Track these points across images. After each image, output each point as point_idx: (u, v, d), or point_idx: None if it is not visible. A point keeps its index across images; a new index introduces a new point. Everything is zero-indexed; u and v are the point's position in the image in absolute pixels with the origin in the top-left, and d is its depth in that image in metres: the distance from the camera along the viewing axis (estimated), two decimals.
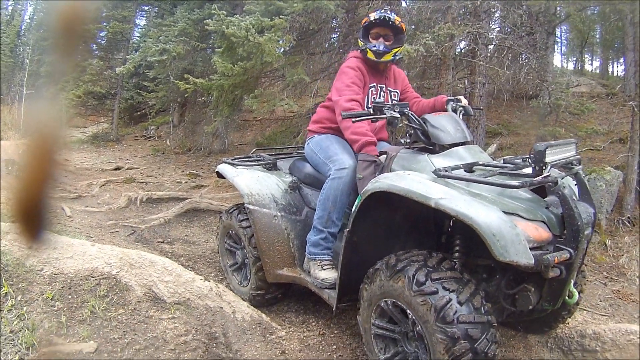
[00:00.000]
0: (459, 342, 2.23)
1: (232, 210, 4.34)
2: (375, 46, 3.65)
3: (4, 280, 2.92)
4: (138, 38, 18.59)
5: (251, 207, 3.80)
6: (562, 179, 2.51)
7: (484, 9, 7.72)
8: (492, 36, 8.88)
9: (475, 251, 2.66)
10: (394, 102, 3.66)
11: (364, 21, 3.79)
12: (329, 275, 3.40)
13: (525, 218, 2.35)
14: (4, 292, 2.86)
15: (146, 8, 18.54)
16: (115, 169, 11.73)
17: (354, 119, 3.11)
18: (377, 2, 7.73)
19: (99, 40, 16.63)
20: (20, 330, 2.65)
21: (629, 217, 7.01)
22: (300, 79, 7.63)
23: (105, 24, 15.22)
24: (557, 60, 25.95)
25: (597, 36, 19.94)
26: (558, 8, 10.04)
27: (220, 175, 4.41)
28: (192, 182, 9.94)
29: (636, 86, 7.85)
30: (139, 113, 19.48)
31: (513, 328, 3.62)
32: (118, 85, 16.72)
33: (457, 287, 2.35)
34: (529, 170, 2.51)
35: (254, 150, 4.89)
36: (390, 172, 2.94)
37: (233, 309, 3.38)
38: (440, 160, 2.85)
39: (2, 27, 30.78)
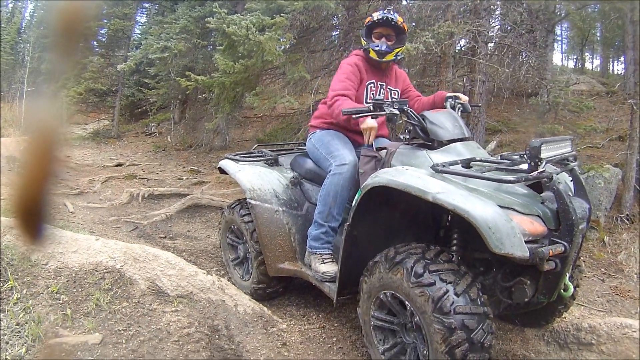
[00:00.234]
0: (456, 332, 2.29)
1: (234, 205, 4.40)
2: (377, 46, 3.70)
3: (9, 274, 2.97)
4: (139, 35, 18.61)
5: (253, 202, 3.86)
6: (557, 174, 2.56)
7: (484, 6, 7.75)
8: (492, 34, 8.92)
9: (472, 245, 2.71)
10: (393, 99, 3.72)
11: (367, 20, 3.83)
12: (330, 268, 3.46)
13: (521, 212, 2.41)
14: (10, 285, 2.91)
15: (147, 5, 18.58)
16: (117, 166, 11.79)
17: (354, 116, 3.17)
18: (377, 0, 7.76)
19: (100, 38, 16.62)
20: (26, 323, 2.69)
21: (627, 215, 7.04)
22: (301, 76, 7.68)
23: (106, 21, 15.23)
24: (557, 58, 25.96)
25: (598, 34, 19.88)
26: (558, 6, 10.06)
27: (222, 171, 4.46)
28: (193, 179, 10.00)
29: (635, 84, 7.87)
30: (139, 110, 19.48)
31: (510, 322, 3.67)
32: (119, 82, 16.72)
33: (454, 279, 2.41)
34: (525, 166, 2.57)
35: (255, 146, 4.95)
36: (390, 167, 3.00)
37: (235, 302, 3.43)
38: (438, 156, 2.91)
39: (3, 25, 30.74)
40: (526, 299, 2.60)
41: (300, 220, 3.92)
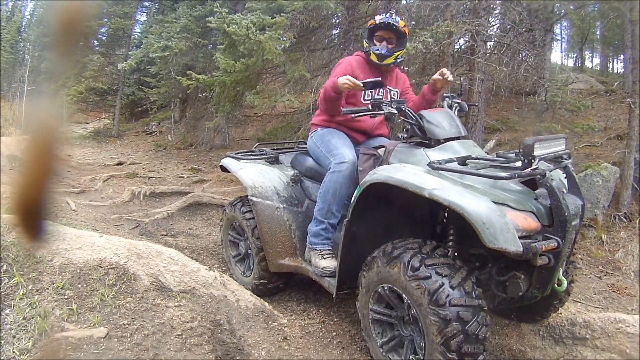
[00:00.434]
0: (451, 324, 2.36)
1: (235, 202, 4.47)
2: (378, 49, 3.78)
3: (15, 270, 3.02)
4: (139, 34, 18.61)
5: (254, 199, 3.93)
6: (550, 172, 2.63)
7: (482, 6, 7.78)
8: (491, 33, 8.95)
9: (468, 241, 2.77)
10: (392, 99, 3.79)
11: (369, 23, 3.92)
12: (329, 264, 3.53)
13: (515, 208, 2.47)
14: (15, 281, 2.95)
15: (147, 4, 18.52)
16: (118, 164, 11.84)
17: (353, 115, 3.25)
18: (376, 1, 7.80)
19: (100, 37, 16.64)
20: (32, 317, 2.73)
21: (625, 213, 7.07)
22: (301, 75, 7.73)
23: (106, 20, 15.26)
24: (557, 56, 25.94)
25: (598, 33, 19.86)
26: (557, 5, 10.08)
27: (224, 169, 4.53)
28: (194, 177, 10.05)
29: (634, 83, 7.91)
30: (140, 109, 19.56)
31: (507, 317, 3.74)
32: (119, 81, 16.79)
33: (450, 273, 2.48)
34: (519, 164, 2.64)
35: (256, 144, 5.01)
36: (388, 165, 3.07)
37: (237, 298, 3.49)
38: (435, 154, 2.97)
39: (3, 24, 30.68)
40: (520, 293, 2.67)
41: (301, 217, 3.99)
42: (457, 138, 3.16)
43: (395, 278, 2.66)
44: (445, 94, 3.83)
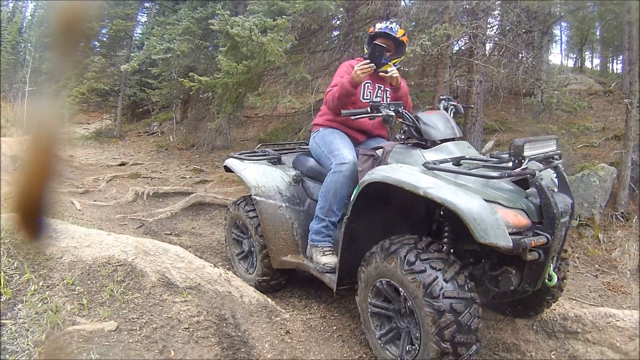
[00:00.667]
0: (445, 315, 2.50)
1: (239, 201, 4.59)
2: None
3: (26, 267, 3.12)
4: (140, 35, 18.55)
5: (258, 198, 4.06)
6: (540, 171, 2.75)
7: (481, 7, 7.86)
8: (491, 33, 9.03)
9: (463, 237, 2.89)
10: (389, 101, 3.93)
11: (370, 30, 4.07)
12: (330, 260, 3.66)
13: (506, 206, 2.60)
14: (27, 278, 3.05)
15: (147, 5, 18.44)
16: (120, 165, 11.89)
17: (352, 117, 3.40)
18: (376, 2, 7.88)
19: (101, 38, 16.61)
20: (44, 312, 2.82)
21: (622, 212, 7.15)
22: (302, 77, 7.82)
23: (107, 21, 15.22)
24: (557, 57, 25.90)
25: (598, 33, 19.86)
26: (556, 7, 10.14)
27: (228, 169, 4.65)
28: (196, 177, 10.12)
29: (631, 84, 8.00)
30: (141, 109, 19.51)
31: (502, 312, 3.87)
32: (121, 82, 16.78)
33: (443, 267, 2.62)
34: (510, 164, 2.76)
35: (259, 145, 5.13)
36: (386, 165, 3.20)
37: (241, 293, 3.60)
38: (431, 155, 3.11)
39: (4, 24, 30.59)
40: (512, 287, 2.79)
41: (302, 215, 4.11)
42: (453, 139, 3.29)
43: (393, 272, 2.79)
44: (441, 97, 3.96)
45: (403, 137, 3.41)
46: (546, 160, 2.99)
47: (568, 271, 3.65)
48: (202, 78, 8.32)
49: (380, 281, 2.96)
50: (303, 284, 4.57)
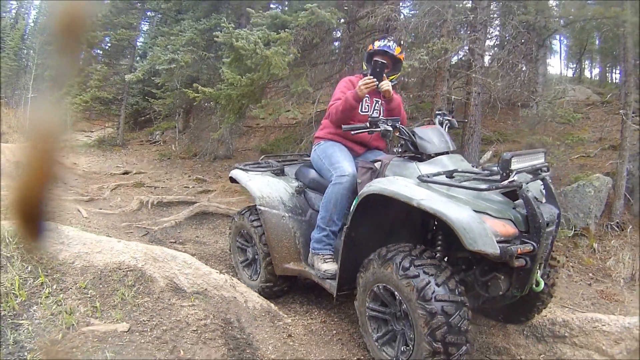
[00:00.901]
0: (436, 317, 2.69)
1: (244, 211, 4.76)
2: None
3: (40, 271, 3.26)
4: (143, 43, 18.68)
5: (262, 208, 4.24)
6: (527, 183, 2.95)
7: (480, 20, 8.00)
8: (489, 44, 9.15)
9: (455, 246, 3.07)
10: (384, 113, 4.15)
11: (369, 48, 4.28)
12: (330, 267, 3.84)
13: (494, 216, 2.79)
14: (40, 281, 3.18)
15: (149, 14, 18.41)
16: (124, 173, 12.01)
17: (352, 132, 3.61)
18: (376, 16, 8.01)
19: (104, 46, 16.78)
20: (59, 313, 2.96)
21: (617, 222, 7.27)
22: (304, 89, 7.99)
23: (110, 30, 15.39)
24: (556, 67, 25.91)
25: (597, 43, 19.88)
26: (553, 20, 10.24)
27: (233, 180, 4.82)
28: (199, 187, 10.26)
29: (626, 95, 8.13)
30: (143, 118, 19.53)
31: (494, 318, 4.04)
32: (124, 91, 16.90)
33: (435, 272, 2.81)
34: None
35: (262, 157, 5.30)
36: (384, 177, 3.39)
37: (245, 299, 3.76)
38: (426, 168, 3.31)
39: (6, 31, 30.63)
40: (501, 292, 2.99)
41: (304, 225, 4.28)
42: (447, 152, 3.49)
43: (389, 277, 2.99)
44: (437, 112, 4.16)
45: (400, 150, 3.60)
46: (534, 172, 3.18)
47: (557, 278, 3.80)
48: (205, 89, 8.45)
49: (378, 286, 3.15)
50: (304, 290, 4.75)
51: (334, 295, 3.70)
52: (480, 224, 2.62)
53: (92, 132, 18.39)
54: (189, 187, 10.34)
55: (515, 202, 2.97)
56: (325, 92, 9.19)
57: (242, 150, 13.57)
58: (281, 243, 4.22)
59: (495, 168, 3.22)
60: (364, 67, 4.20)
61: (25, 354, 2.62)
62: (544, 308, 3.81)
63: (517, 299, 3.23)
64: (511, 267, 2.80)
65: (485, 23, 8.53)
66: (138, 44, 18.17)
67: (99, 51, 16.94)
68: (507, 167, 2.83)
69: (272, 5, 14.24)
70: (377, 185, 3.14)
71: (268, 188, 4.35)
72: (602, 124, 11.36)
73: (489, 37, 9.84)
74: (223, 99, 8.38)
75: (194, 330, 3.16)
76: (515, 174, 2.86)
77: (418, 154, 3.49)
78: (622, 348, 3.56)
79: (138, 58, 16.73)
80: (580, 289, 5.87)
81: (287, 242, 4.21)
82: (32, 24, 35.87)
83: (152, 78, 13.32)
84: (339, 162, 3.97)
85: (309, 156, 4.57)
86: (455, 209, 2.69)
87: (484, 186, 2.83)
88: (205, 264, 5.17)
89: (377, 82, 3.90)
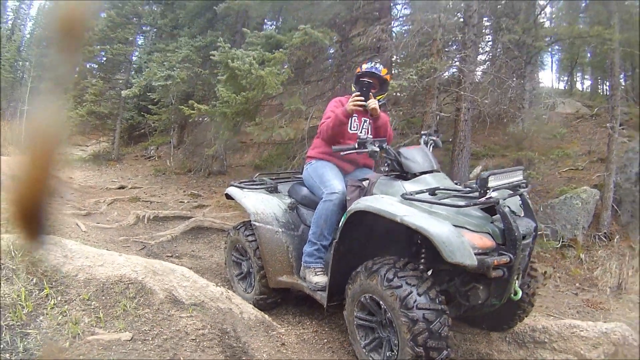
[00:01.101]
0: (418, 323, 2.89)
1: (239, 227, 4.92)
2: None
3: (45, 283, 3.40)
4: (138, 58, 18.70)
5: (257, 224, 4.43)
6: (504, 199, 3.16)
7: (470, 38, 8.21)
8: (481, 58, 9.30)
9: (438, 258, 3.23)
10: (371, 131, 4.36)
11: (357, 70, 4.50)
12: (321, 279, 4.03)
13: (472, 230, 3.00)
14: (46, 293, 3.31)
15: (145, 29, 18.76)
16: (119, 188, 12.14)
17: (342, 153, 3.83)
18: (367, 38, 8.18)
19: (99, 60, 16.93)
20: (65, 323, 3.10)
21: (605, 233, 7.48)
22: (297, 107, 8.17)
23: (106, 44, 15.49)
24: (548, 79, 26.03)
25: (589, 55, 20.15)
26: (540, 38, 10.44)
27: (228, 197, 4.99)
28: (194, 202, 10.40)
29: (613, 109, 8.35)
30: (138, 132, 19.61)
31: (478, 326, 4.24)
32: (120, 105, 17.00)
33: (417, 283, 3.02)
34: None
35: (257, 175, 5.46)
36: (371, 195, 3.60)
37: (240, 310, 3.91)
38: (410, 186, 3.52)
39: (3, 43, 30.54)
40: (480, 301, 3.20)
41: (297, 239, 4.45)
42: (431, 172, 3.70)
43: (374, 288, 3.19)
44: (422, 132, 4.38)
45: (387, 169, 3.82)
46: (514, 188, 3.40)
47: (538, 287, 4.01)
48: (201, 106, 8.63)
49: (365, 296, 3.35)
50: (297, 302, 4.90)
51: (325, 306, 3.89)
52: (458, 237, 2.83)
53: (87, 146, 18.42)
54: (184, 202, 10.46)
55: (494, 216, 3.17)
56: (318, 108, 9.33)
57: (236, 166, 13.72)
58: (275, 257, 4.39)
59: (475, 185, 3.44)
60: (353, 89, 4.37)
61: None
62: (526, 316, 4.01)
63: (498, 308, 3.43)
64: (489, 278, 2.98)
65: (475, 41, 8.71)
66: (133, 58, 18.29)
67: (94, 65, 17.05)
68: (484, 185, 3.05)
69: (266, 21, 14.49)
70: (364, 203, 3.34)
71: (262, 205, 4.52)
72: (590, 137, 11.57)
73: (481, 52, 10.00)
74: (218, 116, 8.53)
75: (193, 339, 3.30)
76: (493, 190, 3.08)
77: (403, 173, 3.70)
78: (600, 352, 3.79)
79: (133, 72, 16.83)
80: (566, 298, 6.05)
81: (280, 256, 4.38)
82: (28, 36, 35.91)
83: (148, 93, 13.41)
84: (330, 181, 4.16)
85: (301, 174, 4.74)
86: (435, 224, 2.90)
87: (462, 203, 3.04)
88: (202, 277, 5.38)
89: (365, 101, 4.10)
